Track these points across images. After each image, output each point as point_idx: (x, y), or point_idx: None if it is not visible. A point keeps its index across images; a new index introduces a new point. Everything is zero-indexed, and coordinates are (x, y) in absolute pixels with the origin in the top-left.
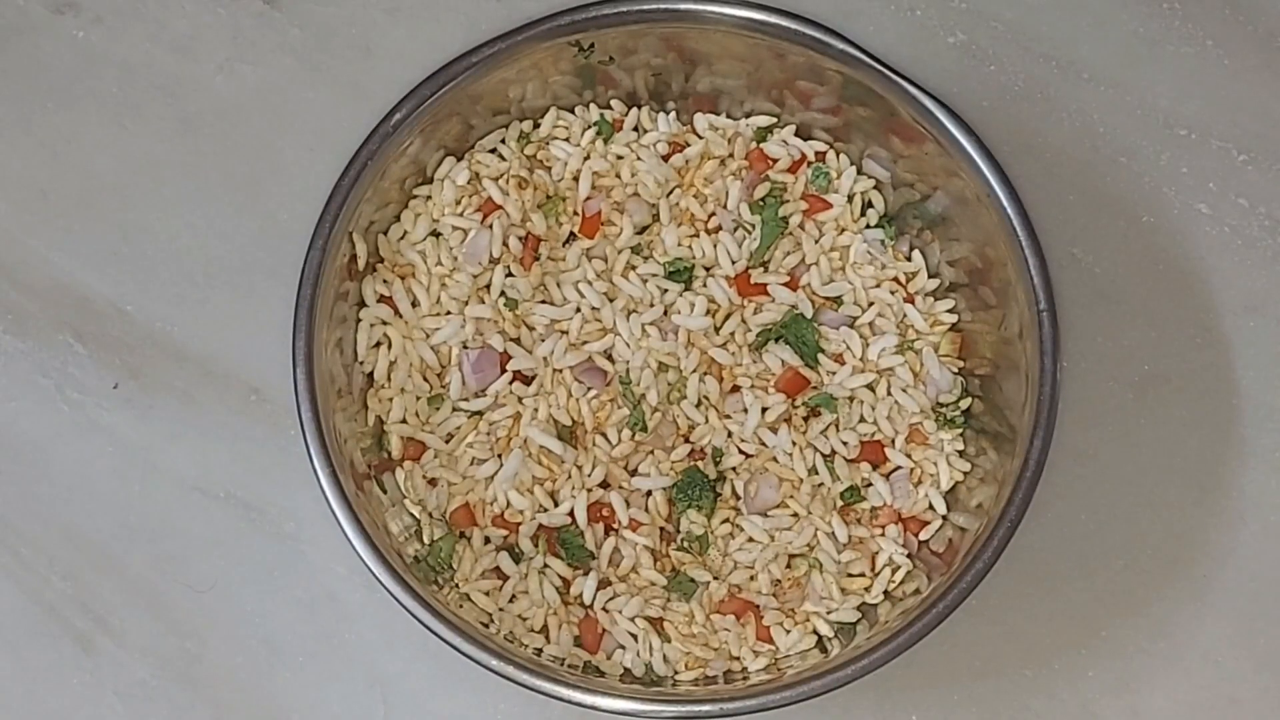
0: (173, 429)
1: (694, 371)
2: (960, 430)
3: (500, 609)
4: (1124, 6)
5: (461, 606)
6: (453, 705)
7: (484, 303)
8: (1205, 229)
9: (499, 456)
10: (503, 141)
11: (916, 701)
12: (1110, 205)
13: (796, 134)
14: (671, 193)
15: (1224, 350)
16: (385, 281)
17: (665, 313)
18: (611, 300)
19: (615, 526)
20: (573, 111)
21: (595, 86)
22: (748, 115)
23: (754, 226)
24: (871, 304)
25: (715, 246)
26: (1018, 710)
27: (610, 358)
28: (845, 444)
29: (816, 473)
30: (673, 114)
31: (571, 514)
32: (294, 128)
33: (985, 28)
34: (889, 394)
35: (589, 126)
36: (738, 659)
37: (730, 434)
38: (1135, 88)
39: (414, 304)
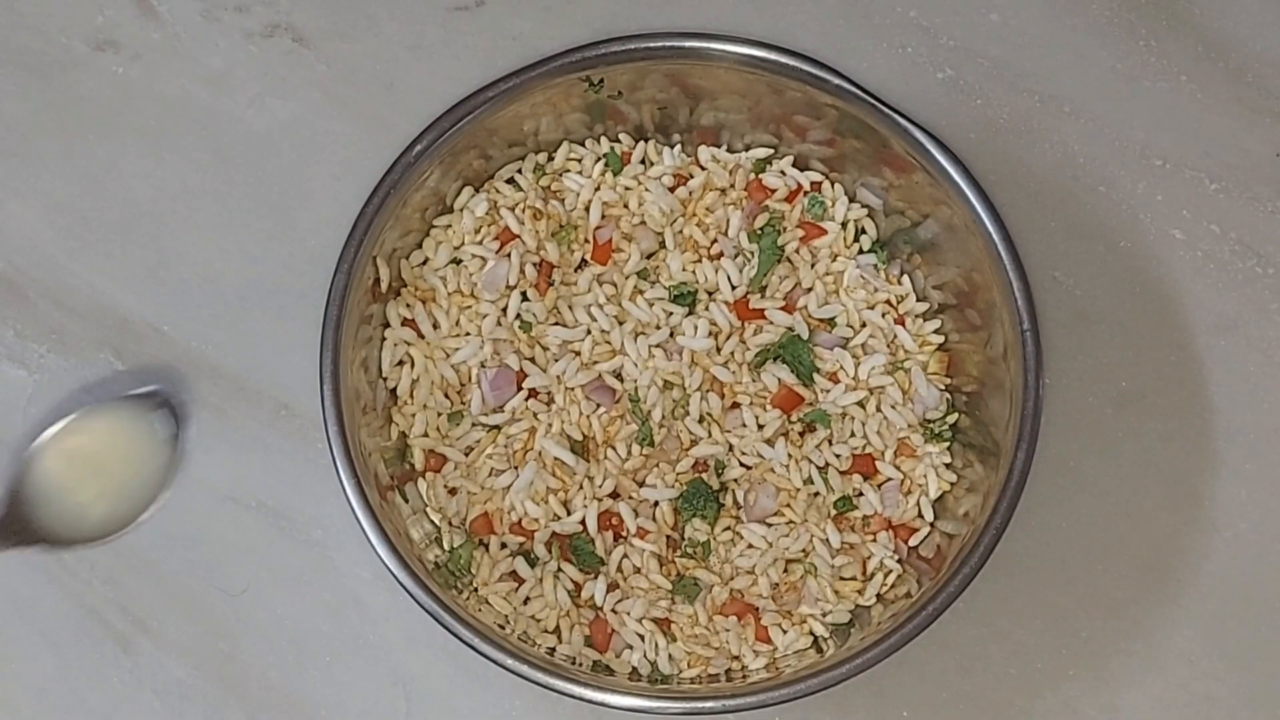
0: (207, 442)
1: (697, 389)
2: (948, 444)
3: (516, 611)
4: (1103, 44)
5: (480, 609)
6: (471, 702)
7: (501, 325)
8: (1179, 253)
9: (515, 468)
10: (519, 172)
11: (907, 699)
12: (1090, 231)
13: (794, 165)
14: (676, 221)
15: (1197, 368)
16: (408, 305)
17: (670, 334)
18: (621, 323)
19: (624, 534)
20: (584, 144)
21: (605, 120)
22: (748, 147)
23: (753, 254)
24: (864, 325)
25: (717, 272)
26: (1003, 707)
27: (619, 376)
28: (838, 457)
29: (812, 483)
30: (678, 147)
31: (583, 522)
32: (321, 159)
33: (972, 64)
34: (879, 410)
35: (599, 159)
36: (738, 658)
37: (731, 447)
38: (1113, 121)
39: (435, 326)
